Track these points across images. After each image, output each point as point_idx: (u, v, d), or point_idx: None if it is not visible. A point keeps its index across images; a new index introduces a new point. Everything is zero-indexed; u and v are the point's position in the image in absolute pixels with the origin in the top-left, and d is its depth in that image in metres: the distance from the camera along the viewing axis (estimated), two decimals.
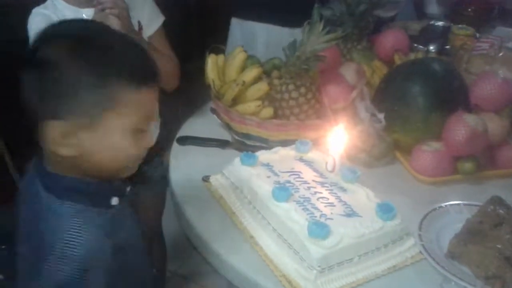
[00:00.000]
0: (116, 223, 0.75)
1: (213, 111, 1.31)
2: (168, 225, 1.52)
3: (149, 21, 1.28)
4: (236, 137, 1.24)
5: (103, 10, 1.11)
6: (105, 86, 0.68)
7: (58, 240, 0.68)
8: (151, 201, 1.42)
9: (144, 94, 0.71)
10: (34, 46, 0.69)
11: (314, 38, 1.08)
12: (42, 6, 1.16)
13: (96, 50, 0.69)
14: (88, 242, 0.68)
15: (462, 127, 1.07)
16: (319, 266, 0.80)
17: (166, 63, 1.29)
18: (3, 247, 1.81)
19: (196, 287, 1.90)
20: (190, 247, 1.01)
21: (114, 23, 1.11)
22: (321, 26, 1.09)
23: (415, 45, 1.57)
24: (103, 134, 0.70)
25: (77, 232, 0.69)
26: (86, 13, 1.16)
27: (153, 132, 0.73)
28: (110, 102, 0.69)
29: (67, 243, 0.68)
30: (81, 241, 0.68)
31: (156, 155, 1.35)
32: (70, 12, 1.12)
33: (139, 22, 1.25)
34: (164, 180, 1.22)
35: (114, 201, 0.77)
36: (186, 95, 1.49)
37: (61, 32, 0.72)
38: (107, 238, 0.71)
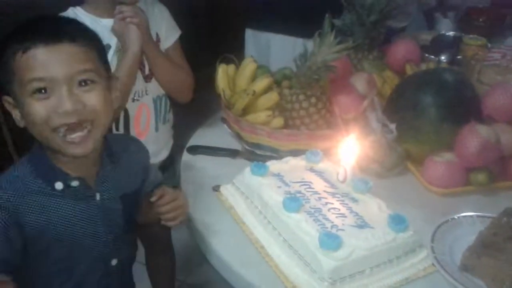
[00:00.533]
0: (41, 201, 0.81)
1: (224, 120, 1.31)
2: (178, 233, 1.52)
3: (166, 33, 1.30)
4: (247, 147, 1.24)
5: (123, 19, 1.12)
6: (3, 59, 0.76)
7: None
8: None
9: (34, 54, 0.74)
10: None
11: (325, 48, 1.08)
12: (64, 14, 1.17)
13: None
14: None
15: (474, 138, 1.06)
16: (330, 278, 0.79)
17: (182, 76, 1.30)
18: None
19: None
20: (200, 256, 1.01)
21: (134, 33, 1.12)
22: (332, 36, 1.09)
23: (426, 55, 1.56)
24: (20, 104, 0.78)
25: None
26: (106, 23, 1.17)
27: (67, 98, 0.76)
28: (10, 72, 0.76)
29: None
30: None
31: (170, 165, 1.35)
32: (90, 21, 1.13)
33: (157, 34, 1.26)
34: (177, 189, 1.22)
35: (58, 185, 0.82)
36: (196, 104, 1.49)
37: None
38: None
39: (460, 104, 1.12)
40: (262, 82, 1.22)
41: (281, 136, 1.18)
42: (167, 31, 1.30)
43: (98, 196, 0.87)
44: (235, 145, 1.26)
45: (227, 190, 1.06)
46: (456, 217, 0.99)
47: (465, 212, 1.00)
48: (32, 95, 0.76)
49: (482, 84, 1.39)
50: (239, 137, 1.26)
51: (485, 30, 1.87)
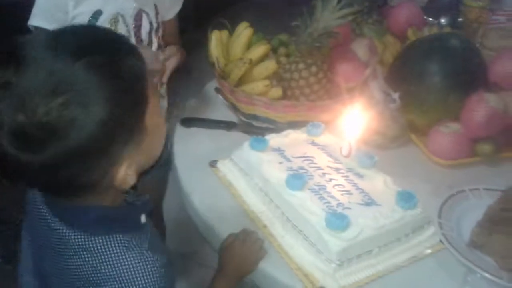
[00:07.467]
0: (153, 240, 0.69)
1: (218, 90, 1.25)
2: (169, 202, 1.48)
3: (170, 4, 1.22)
4: (243, 119, 1.18)
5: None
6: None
7: (115, 280, 0.62)
8: (153, 185, 1.37)
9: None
10: None
11: (327, 14, 1.01)
12: None
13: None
14: (152, 278, 0.63)
15: (482, 107, 1.02)
16: (338, 260, 0.76)
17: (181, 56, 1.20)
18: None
19: (197, 266, 1.87)
20: (191, 226, 0.97)
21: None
22: (335, 1, 1.01)
23: (425, 17, 1.49)
24: (150, 133, 0.63)
25: (135, 270, 0.62)
26: None
27: None
28: (144, 102, 0.61)
29: (130, 282, 0.62)
30: (146, 280, 0.62)
31: None
32: None
33: (155, 6, 1.16)
34: (167, 164, 1.17)
35: (143, 218, 0.70)
36: (184, 70, 1.41)
37: None
38: (159, 262, 0.64)
39: (467, 72, 1.07)
40: (259, 50, 1.15)
41: (280, 107, 1.12)
42: (170, 2, 1.21)
43: None
44: (230, 116, 1.20)
45: (225, 166, 1.01)
46: (462, 190, 0.96)
47: (470, 184, 0.97)
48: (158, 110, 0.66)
49: (485, 48, 1.33)
50: (234, 108, 1.20)
51: None
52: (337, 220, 0.76)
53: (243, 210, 0.91)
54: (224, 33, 1.24)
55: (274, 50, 1.21)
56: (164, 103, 1.28)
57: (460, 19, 1.52)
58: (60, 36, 0.58)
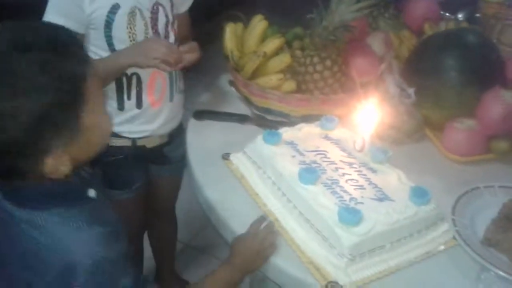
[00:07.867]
0: (96, 212, 0.72)
1: (231, 83, 1.25)
2: (181, 194, 1.49)
3: None
4: (256, 112, 1.18)
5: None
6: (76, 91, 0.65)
7: (53, 250, 0.67)
8: (168, 181, 1.37)
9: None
10: None
11: (343, 7, 1.01)
12: None
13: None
14: (88, 247, 0.67)
15: (499, 104, 1.01)
16: (350, 254, 0.76)
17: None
18: None
19: (210, 258, 1.88)
20: (204, 219, 0.97)
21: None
22: None
23: (442, 12, 1.48)
24: (88, 131, 0.67)
25: (71, 241, 0.67)
26: None
27: None
28: (81, 103, 0.65)
29: (67, 255, 0.66)
30: (82, 250, 0.66)
31: (177, 136, 1.28)
32: None
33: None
34: (183, 160, 1.17)
35: (91, 192, 0.74)
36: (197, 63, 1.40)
37: None
38: (99, 234, 0.68)
39: (484, 68, 1.06)
40: (274, 43, 1.15)
41: (293, 101, 1.12)
42: None
43: None
44: (243, 109, 1.20)
45: (237, 159, 1.01)
46: (476, 188, 0.95)
47: (485, 181, 0.96)
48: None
49: (503, 45, 1.32)
50: (248, 101, 1.20)
51: None
52: (350, 214, 0.76)
53: (255, 203, 0.91)
54: (239, 26, 1.24)
55: (288, 44, 1.20)
56: (182, 96, 1.27)
57: (477, 15, 1.50)
58: (7, 29, 0.61)
